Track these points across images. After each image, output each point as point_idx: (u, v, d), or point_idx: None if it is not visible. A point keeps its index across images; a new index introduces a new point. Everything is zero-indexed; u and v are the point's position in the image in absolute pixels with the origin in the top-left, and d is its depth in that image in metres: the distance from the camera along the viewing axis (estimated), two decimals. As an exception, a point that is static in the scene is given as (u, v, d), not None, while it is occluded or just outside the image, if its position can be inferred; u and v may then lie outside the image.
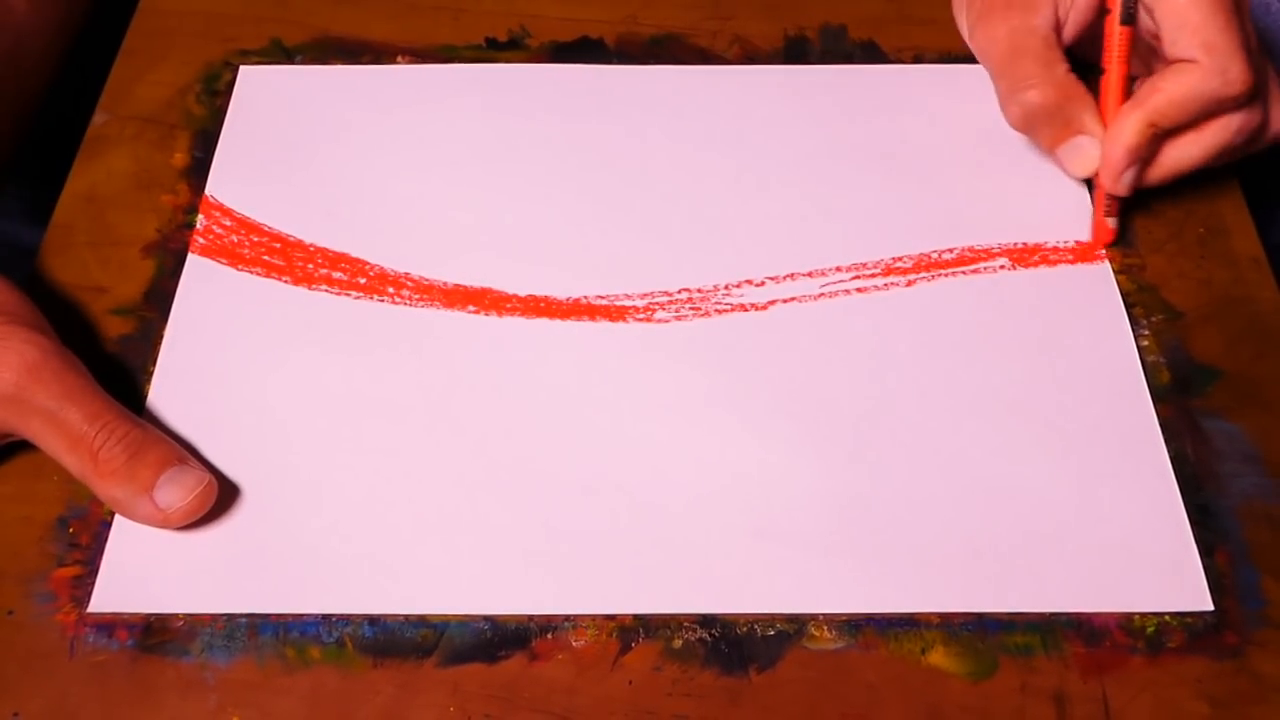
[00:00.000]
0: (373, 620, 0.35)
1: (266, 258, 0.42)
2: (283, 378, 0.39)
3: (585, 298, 0.41)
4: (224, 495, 0.36)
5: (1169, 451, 0.38)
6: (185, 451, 0.36)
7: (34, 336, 0.35)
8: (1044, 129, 0.41)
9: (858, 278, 0.42)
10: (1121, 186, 0.41)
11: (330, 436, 0.38)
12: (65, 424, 0.35)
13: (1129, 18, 0.40)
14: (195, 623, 0.35)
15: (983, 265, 0.42)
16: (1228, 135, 0.40)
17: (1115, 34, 0.40)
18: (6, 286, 0.37)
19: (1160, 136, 0.40)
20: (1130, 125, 0.39)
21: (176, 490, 0.35)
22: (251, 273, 0.42)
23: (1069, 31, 0.41)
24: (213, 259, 0.42)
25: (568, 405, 0.39)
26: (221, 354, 0.40)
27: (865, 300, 0.41)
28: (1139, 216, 0.44)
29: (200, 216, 0.43)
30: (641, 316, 0.41)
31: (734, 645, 0.34)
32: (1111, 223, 0.42)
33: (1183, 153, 0.40)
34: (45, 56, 0.47)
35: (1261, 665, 0.34)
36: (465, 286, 0.42)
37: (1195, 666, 0.34)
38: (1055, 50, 0.40)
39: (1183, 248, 0.43)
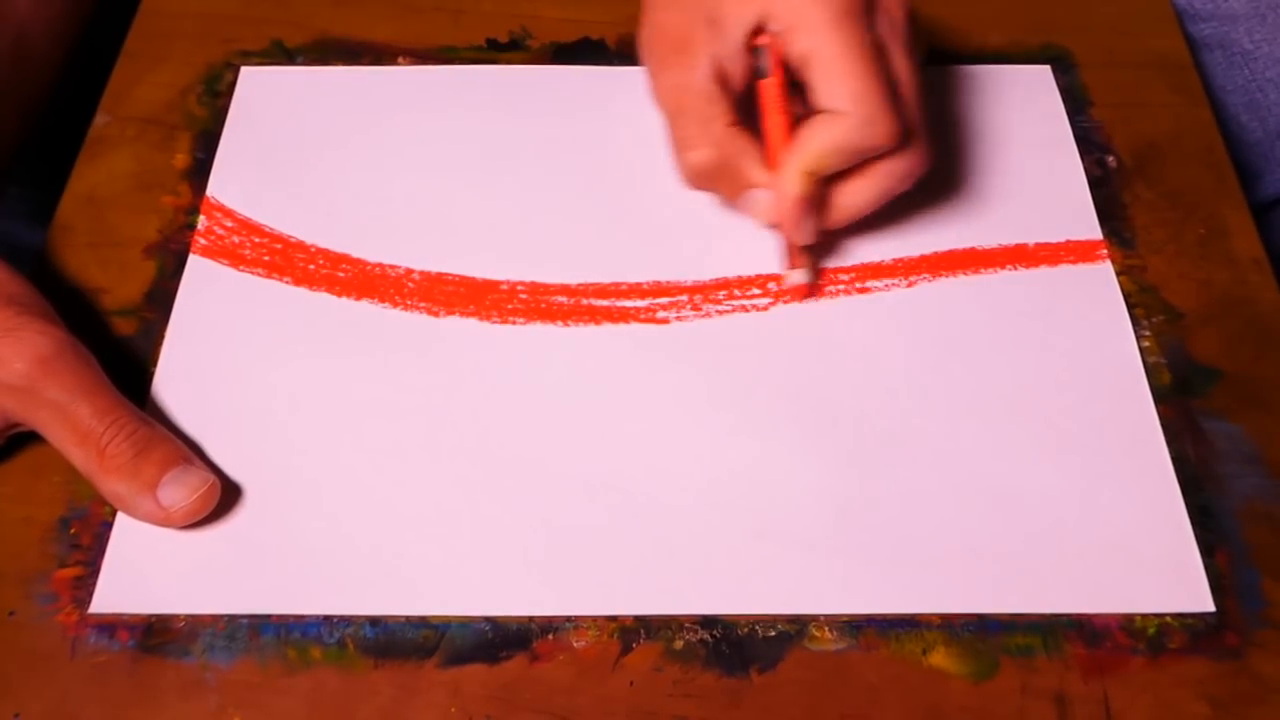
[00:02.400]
0: (374, 621, 0.35)
1: (267, 258, 0.42)
2: (284, 378, 0.39)
3: (586, 298, 0.41)
4: (225, 496, 0.36)
5: (1170, 452, 0.38)
6: (191, 452, 0.36)
7: (48, 328, 0.36)
8: (715, 186, 0.40)
9: (858, 278, 0.42)
10: (802, 235, 0.40)
11: (331, 437, 0.38)
12: (74, 418, 0.35)
13: (760, 73, 0.39)
14: (196, 623, 0.35)
15: (984, 265, 0.42)
16: (891, 181, 0.39)
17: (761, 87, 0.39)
18: (19, 280, 0.37)
19: (827, 181, 0.39)
20: (791, 177, 0.38)
21: (180, 489, 0.35)
22: (252, 273, 0.42)
23: (739, 80, 0.39)
24: (214, 260, 0.42)
25: (569, 406, 0.39)
26: (222, 355, 0.40)
27: (866, 300, 0.41)
28: (1139, 217, 0.44)
29: (201, 217, 0.43)
30: (643, 317, 0.41)
31: (735, 646, 0.34)
32: (799, 275, 0.41)
33: (852, 199, 0.39)
34: (49, 54, 0.47)
35: (1262, 666, 0.34)
36: (466, 287, 0.42)
37: (1196, 667, 0.34)
38: (716, 105, 0.38)
39: (1183, 249, 0.43)
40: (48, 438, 0.36)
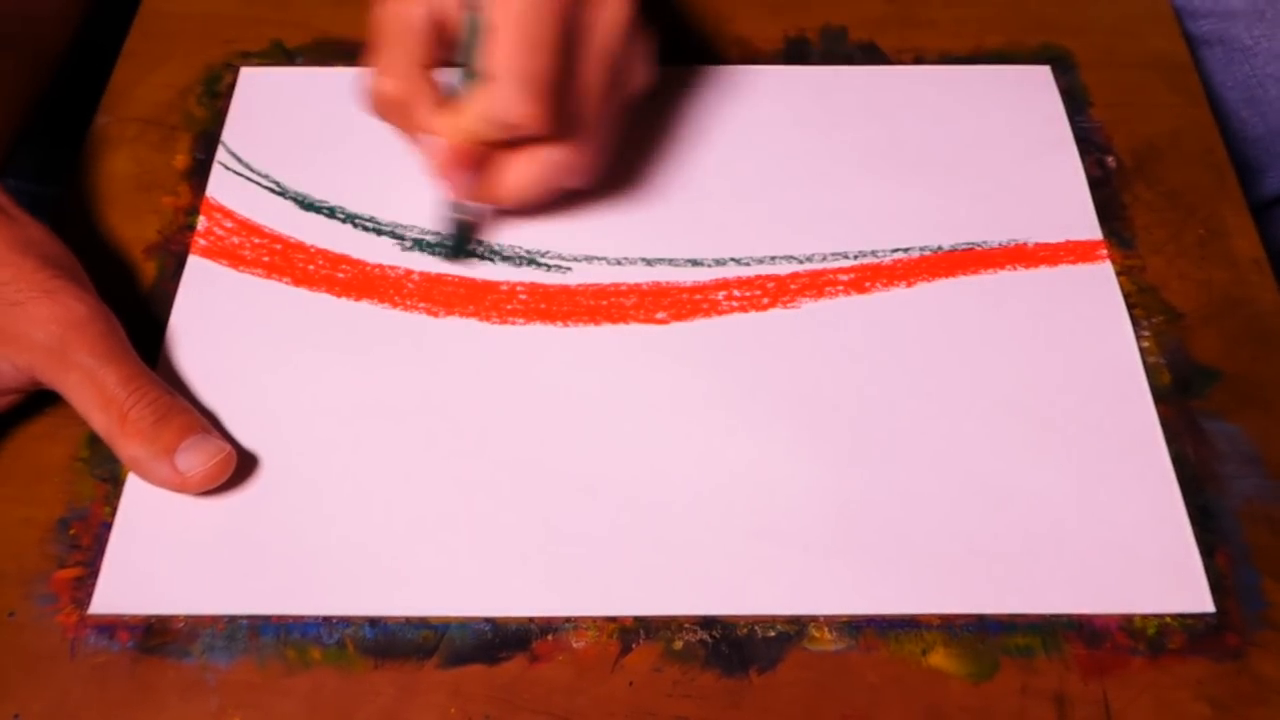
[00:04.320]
0: (373, 621, 0.35)
1: (267, 259, 0.42)
2: (283, 379, 0.39)
3: (585, 298, 0.41)
4: (225, 496, 0.37)
5: (1170, 453, 0.38)
6: (208, 423, 0.37)
7: (83, 294, 0.37)
8: (392, 119, 0.40)
9: (858, 278, 0.42)
10: (459, 189, 0.40)
11: (331, 438, 0.38)
12: (101, 383, 0.36)
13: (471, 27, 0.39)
14: (196, 624, 0.35)
15: (984, 266, 0.42)
16: (545, 169, 0.39)
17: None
18: (58, 242, 0.38)
19: (495, 147, 0.39)
20: (446, 129, 0.38)
21: (197, 455, 0.36)
22: (252, 274, 0.42)
23: (452, 30, 0.39)
24: (213, 260, 0.42)
25: (568, 406, 0.39)
26: (222, 355, 0.40)
27: (866, 301, 0.41)
28: (1139, 218, 0.44)
29: (201, 218, 0.43)
30: (642, 317, 0.41)
31: (734, 646, 0.34)
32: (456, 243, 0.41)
33: (512, 178, 0.39)
34: (62, 12, 0.48)
35: (1262, 667, 0.34)
36: (465, 288, 0.42)
37: (1196, 668, 0.34)
38: (422, 43, 0.39)
39: (1183, 249, 0.43)
40: (70, 399, 0.36)
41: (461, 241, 0.42)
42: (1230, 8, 0.54)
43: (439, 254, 0.42)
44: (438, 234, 0.43)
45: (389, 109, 0.40)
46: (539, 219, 0.43)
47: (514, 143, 0.39)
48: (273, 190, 0.44)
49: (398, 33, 0.39)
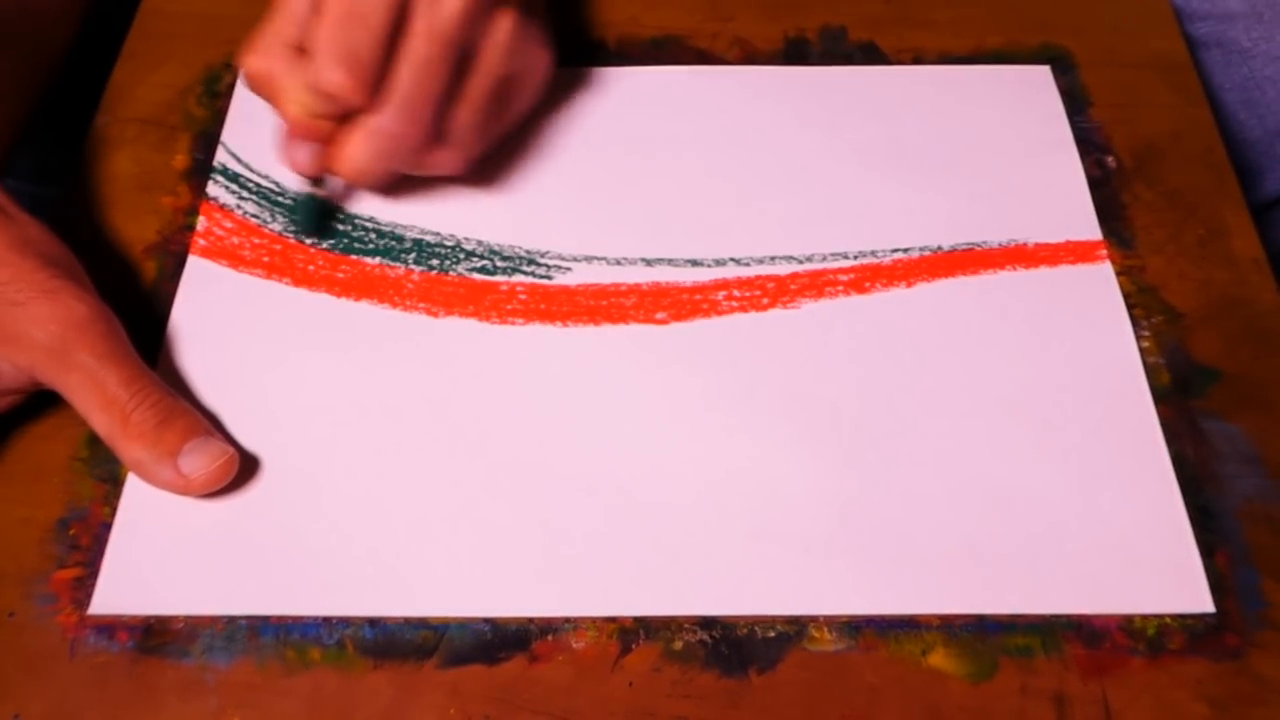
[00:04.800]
0: (373, 622, 0.35)
1: (267, 259, 0.42)
2: (283, 379, 0.39)
3: (585, 298, 0.41)
4: (225, 497, 0.37)
5: (1170, 453, 0.38)
6: (210, 425, 0.37)
7: (84, 294, 0.37)
8: (263, 94, 0.41)
9: (858, 279, 0.42)
10: (294, 160, 0.41)
11: (330, 438, 0.38)
12: (102, 384, 0.36)
13: None
14: (195, 624, 0.35)
15: (983, 266, 0.42)
16: (372, 139, 0.39)
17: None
18: (59, 243, 0.38)
19: (331, 123, 0.40)
20: (287, 101, 0.39)
21: (200, 458, 0.36)
22: (252, 274, 0.42)
23: None
24: (213, 260, 0.42)
25: (567, 406, 0.39)
26: (222, 355, 0.40)
27: (865, 301, 0.41)
28: (1139, 218, 0.44)
29: (201, 218, 0.43)
30: (642, 317, 0.41)
31: (734, 647, 0.34)
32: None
33: (349, 150, 0.40)
34: (63, 11, 0.48)
35: (1262, 667, 0.34)
36: (465, 288, 0.42)
37: (1196, 668, 0.34)
38: (293, 24, 0.39)
39: (1183, 249, 0.43)
40: (72, 401, 0.36)
41: (312, 215, 0.43)
42: (1228, 10, 0.54)
43: (294, 229, 0.43)
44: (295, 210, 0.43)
45: (257, 85, 0.41)
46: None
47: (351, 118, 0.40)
48: (273, 190, 0.44)
49: (274, 11, 0.40)
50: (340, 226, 0.43)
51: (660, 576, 0.35)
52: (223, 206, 0.44)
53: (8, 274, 0.36)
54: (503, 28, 0.41)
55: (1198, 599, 0.35)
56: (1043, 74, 0.48)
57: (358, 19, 0.38)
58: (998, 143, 0.46)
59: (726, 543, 0.36)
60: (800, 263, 0.42)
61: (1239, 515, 0.37)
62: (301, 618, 0.35)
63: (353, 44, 0.38)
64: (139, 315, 0.40)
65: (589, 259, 0.43)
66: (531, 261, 0.42)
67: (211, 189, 0.44)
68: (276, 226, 0.43)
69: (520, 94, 0.43)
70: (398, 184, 0.43)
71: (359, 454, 0.38)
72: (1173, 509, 0.37)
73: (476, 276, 0.42)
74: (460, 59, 0.40)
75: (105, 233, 0.43)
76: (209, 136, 0.46)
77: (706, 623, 0.35)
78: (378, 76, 0.38)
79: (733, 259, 0.42)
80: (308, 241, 0.43)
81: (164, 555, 0.36)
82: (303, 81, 0.39)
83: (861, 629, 0.35)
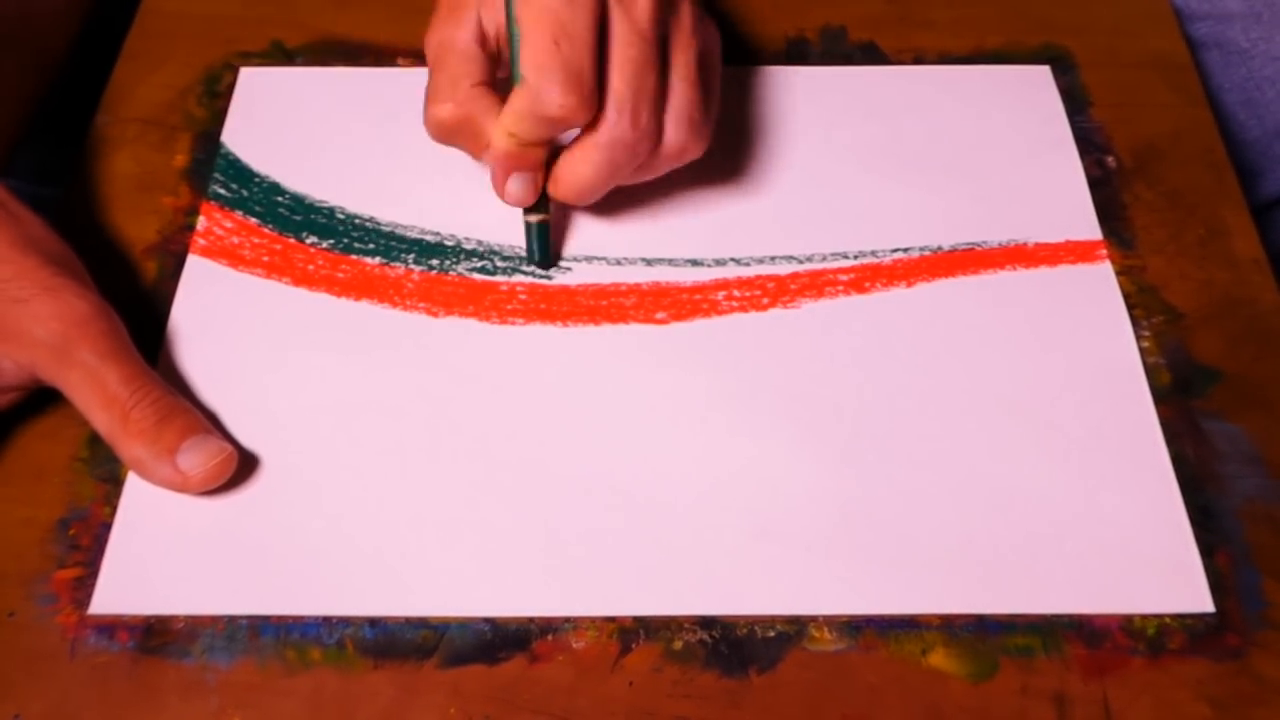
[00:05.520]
0: (373, 622, 0.35)
1: (267, 259, 0.42)
2: (283, 379, 0.39)
3: (585, 298, 0.41)
4: (225, 496, 0.37)
5: (1170, 453, 0.38)
6: (209, 423, 0.37)
7: (85, 292, 0.37)
8: (456, 141, 0.41)
9: (858, 278, 0.42)
10: (512, 194, 0.40)
11: (330, 438, 0.38)
12: (102, 382, 0.36)
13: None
14: (196, 624, 0.35)
15: (983, 266, 0.42)
16: (599, 152, 0.39)
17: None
18: (60, 240, 0.38)
19: (551, 150, 0.40)
20: (495, 136, 0.39)
21: (199, 455, 0.36)
22: (252, 274, 0.42)
23: (500, 42, 0.40)
24: (213, 260, 0.42)
25: (568, 406, 0.39)
26: (222, 355, 0.40)
27: (866, 301, 0.41)
28: (1139, 218, 0.44)
29: (201, 218, 0.43)
30: (642, 317, 0.41)
31: (734, 647, 0.34)
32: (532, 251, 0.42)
33: (570, 171, 0.40)
34: (63, 12, 0.48)
35: (1263, 667, 0.34)
36: (465, 288, 0.42)
37: (1196, 668, 0.34)
38: (472, 64, 0.39)
39: (1183, 249, 0.43)
40: (72, 398, 0.36)
41: (543, 246, 0.42)
42: (1227, 10, 0.54)
43: (532, 266, 0.42)
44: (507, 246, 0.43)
45: (450, 134, 0.40)
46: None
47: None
48: (273, 190, 0.44)
49: (451, 58, 0.39)
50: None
51: (660, 576, 0.35)
52: (223, 206, 0.44)
53: (10, 271, 0.36)
54: (685, 12, 0.40)
55: (1198, 599, 0.35)
56: (1043, 74, 0.48)
57: (568, 37, 0.37)
58: (998, 143, 0.46)
59: (726, 543, 0.36)
60: (800, 263, 0.42)
61: (1239, 515, 0.37)
62: (302, 618, 0.35)
63: (571, 63, 0.37)
64: (139, 315, 0.40)
65: (589, 259, 0.43)
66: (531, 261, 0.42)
67: (211, 189, 0.44)
68: (277, 227, 0.43)
69: (713, 68, 0.43)
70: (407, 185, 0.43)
71: (359, 454, 0.38)
72: (1173, 509, 0.37)
73: (476, 276, 0.42)
74: (662, 53, 0.39)
75: (105, 232, 0.43)
76: (209, 136, 0.46)
77: (706, 623, 0.35)
78: (597, 91, 0.38)
79: (733, 259, 0.42)
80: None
81: (164, 555, 0.36)
82: (515, 110, 0.38)
83: (861, 629, 0.35)
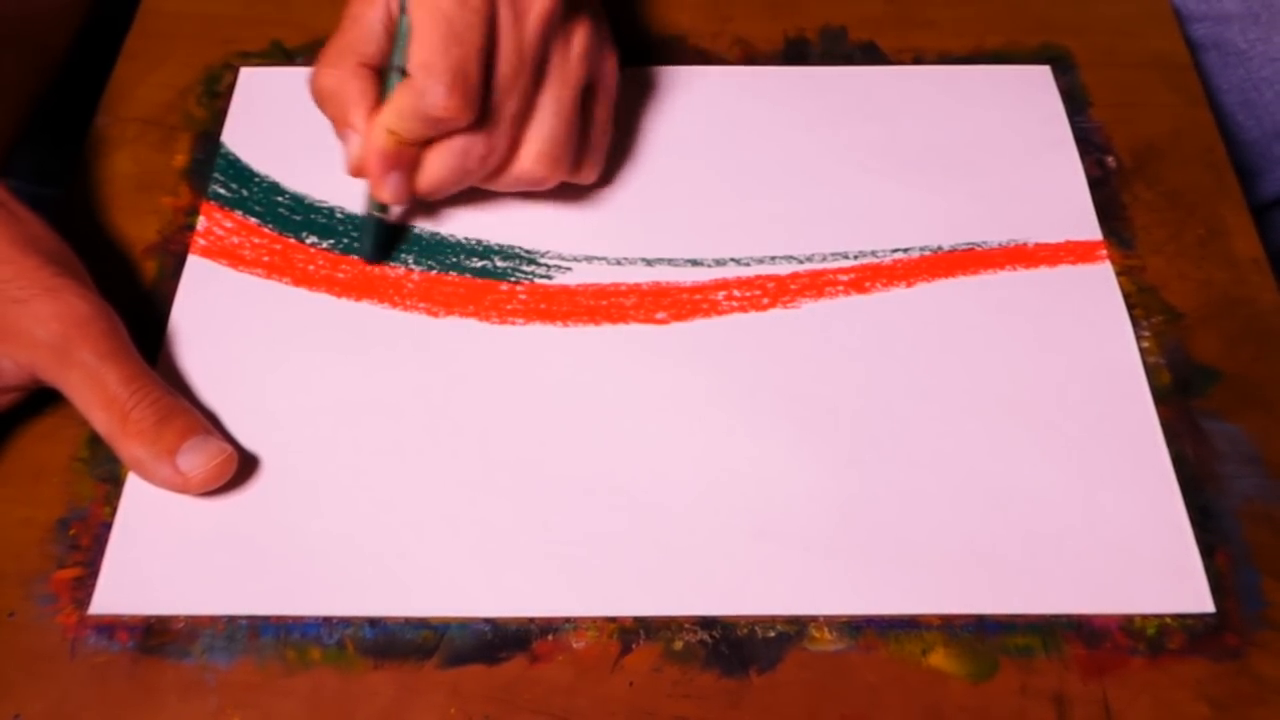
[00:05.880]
0: (373, 622, 0.35)
1: (267, 259, 0.42)
2: (283, 379, 0.39)
3: (585, 298, 0.41)
4: (225, 496, 0.37)
5: (1169, 453, 0.38)
6: (209, 424, 0.37)
7: (85, 292, 0.37)
8: (327, 110, 0.41)
9: (858, 278, 0.42)
10: (384, 191, 0.40)
11: (330, 438, 0.38)
12: (102, 382, 0.36)
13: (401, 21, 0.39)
14: (196, 624, 0.35)
15: (983, 266, 0.42)
16: (459, 159, 0.39)
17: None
18: (59, 240, 0.38)
19: (417, 146, 0.39)
20: (374, 130, 0.39)
21: (198, 456, 0.36)
22: (252, 274, 0.42)
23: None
24: (213, 260, 0.42)
25: (568, 406, 0.39)
26: (222, 355, 0.40)
27: (865, 301, 0.41)
28: (1139, 218, 0.44)
29: (201, 218, 0.43)
30: (642, 317, 0.41)
31: (734, 647, 0.34)
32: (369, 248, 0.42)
33: (429, 169, 0.40)
34: (63, 11, 0.48)
35: (1262, 667, 0.34)
36: (465, 288, 0.42)
37: (1196, 668, 0.34)
38: (369, 42, 0.40)
39: (1183, 249, 0.43)
40: (72, 398, 0.36)
41: (380, 241, 0.42)
42: (1225, 11, 0.54)
43: (358, 255, 0.42)
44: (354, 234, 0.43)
45: (324, 101, 0.41)
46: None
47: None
48: (273, 190, 0.44)
49: (347, 26, 0.40)
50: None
51: (660, 576, 0.35)
52: (223, 206, 0.44)
53: (10, 271, 0.36)
54: (578, 38, 0.41)
55: (1198, 599, 0.35)
56: (1043, 74, 0.48)
57: (459, 40, 0.37)
58: (998, 143, 0.46)
59: (726, 543, 0.36)
60: (800, 263, 0.42)
61: (1239, 515, 0.37)
62: (302, 618, 0.35)
63: (460, 66, 0.37)
64: (139, 315, 0.40)
65: (589, 259, 0.43)
66: (531, 261, 0.42)
67: (211, 189, 0.44)
68: (277, 227, 0.43)
69: (603, 97, 0.43)
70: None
71: (359, 454, 0.38)
72: (1173, 509, 0.37)
73: (476, 277, 0.42)
74: (540, 72, 0.40)
75: (105, 232, 0.43)
76: (209, 136, 0.46)
77: (706, 623, 0.35)
78: (481, 97, 0.38)
79: (733, 259, 0.42)
80: (308, 241, 0.43)
81: (164, 555, 0.36)
82: (397, 108, 0.38)
83: (861, 629, 0.35)
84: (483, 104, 0.39)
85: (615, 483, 0.37)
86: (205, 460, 0.36)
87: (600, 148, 0.43)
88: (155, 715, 0.33)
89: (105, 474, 0.37)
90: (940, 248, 0.43)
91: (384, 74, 0.40)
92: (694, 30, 0.49)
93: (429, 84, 0.37)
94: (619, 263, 0.42)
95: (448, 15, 0.37)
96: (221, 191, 0.44)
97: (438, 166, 0.40)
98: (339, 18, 0.40)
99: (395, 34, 0.39)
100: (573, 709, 0.33)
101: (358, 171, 0.40)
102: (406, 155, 0.40)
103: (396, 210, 0.43)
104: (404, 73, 0.39)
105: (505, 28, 0.38)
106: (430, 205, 0.43)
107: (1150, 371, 0.40)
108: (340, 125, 0.40)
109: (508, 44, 0.39)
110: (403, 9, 0.39)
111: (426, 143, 0.39)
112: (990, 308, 0.41)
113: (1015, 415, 0.39)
